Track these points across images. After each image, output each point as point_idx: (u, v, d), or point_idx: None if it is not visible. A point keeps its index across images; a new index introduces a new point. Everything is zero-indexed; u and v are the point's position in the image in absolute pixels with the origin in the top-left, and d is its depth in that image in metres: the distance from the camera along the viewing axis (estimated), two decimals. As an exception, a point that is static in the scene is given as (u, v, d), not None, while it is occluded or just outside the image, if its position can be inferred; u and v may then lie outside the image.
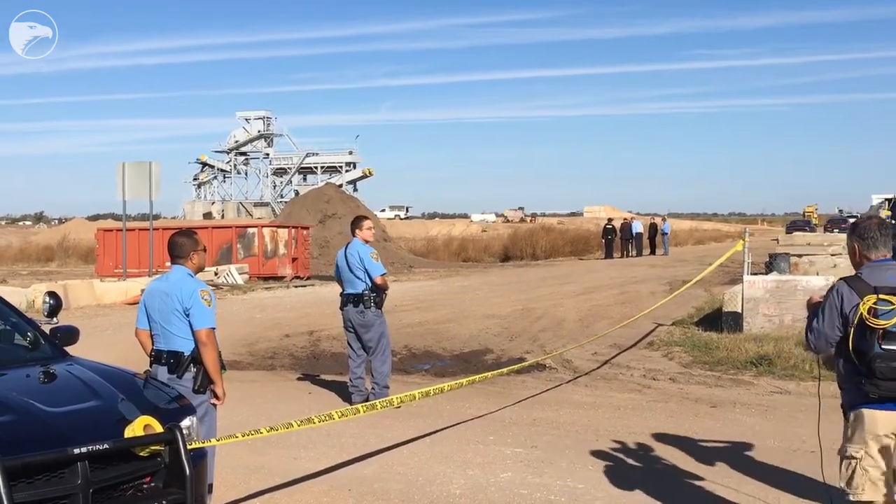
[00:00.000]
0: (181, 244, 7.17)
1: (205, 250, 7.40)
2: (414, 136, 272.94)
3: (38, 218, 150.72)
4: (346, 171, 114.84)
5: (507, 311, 21.24)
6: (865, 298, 5.37)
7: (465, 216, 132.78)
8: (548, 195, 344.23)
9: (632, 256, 45.89)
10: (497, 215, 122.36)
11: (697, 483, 7.86)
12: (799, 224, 72.34)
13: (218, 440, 6.66)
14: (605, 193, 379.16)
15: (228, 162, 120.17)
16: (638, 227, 48.98)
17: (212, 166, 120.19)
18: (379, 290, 11.04)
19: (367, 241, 11.02)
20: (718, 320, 16.40)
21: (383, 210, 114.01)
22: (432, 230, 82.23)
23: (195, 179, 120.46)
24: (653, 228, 49.96)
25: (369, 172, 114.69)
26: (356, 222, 11.19)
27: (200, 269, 7.29)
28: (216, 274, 31.24)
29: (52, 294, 7.59)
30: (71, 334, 7.16)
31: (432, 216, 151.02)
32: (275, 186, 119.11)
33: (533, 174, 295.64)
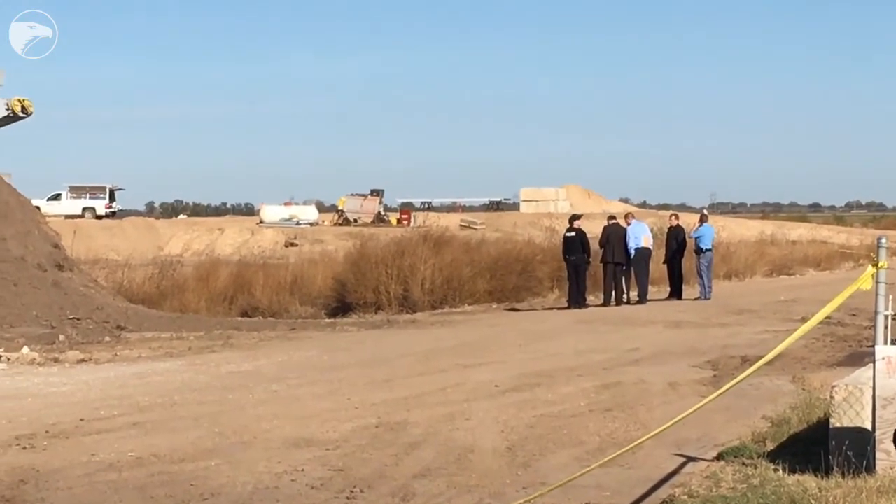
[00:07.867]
0: None
1: None
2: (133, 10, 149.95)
3: None
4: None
5: (342, 429, 11.86)
6: None
7: (250, 211, 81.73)
8: (443, 167, 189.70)
9: (629, 303, 26.51)
10: (325, 209, 73.18)
11: None
12: None
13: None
14: (570, 165, 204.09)
15: None
16: (641, 234, 26.81)
17: None
18: None
19: None
20: (820, 448, 9.68)
21: (56, 196, 64.60)
22: (171, 242, 53.05)
23: None
24: (674, 238, 27.97)
25: (22, 108, 52.57)
26: None
27: None
28: None
29: None
30: None
31: (172, 210, 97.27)
32: None
33: (408, 122, 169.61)
